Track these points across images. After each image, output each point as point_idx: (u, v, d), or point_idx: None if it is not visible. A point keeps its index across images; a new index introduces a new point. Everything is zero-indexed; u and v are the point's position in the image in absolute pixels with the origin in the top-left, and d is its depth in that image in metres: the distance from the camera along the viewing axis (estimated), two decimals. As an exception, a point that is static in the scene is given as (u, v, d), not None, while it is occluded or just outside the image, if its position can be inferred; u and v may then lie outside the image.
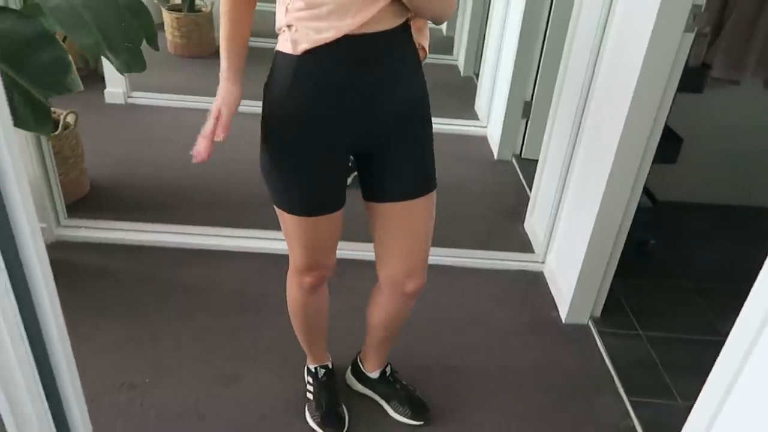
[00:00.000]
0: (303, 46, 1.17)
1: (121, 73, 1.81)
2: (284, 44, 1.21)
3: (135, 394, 1.76)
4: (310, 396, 1.75)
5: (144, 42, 2.13)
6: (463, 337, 2.11)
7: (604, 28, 2.02)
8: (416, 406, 1.76)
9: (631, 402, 1.90)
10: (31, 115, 1.42)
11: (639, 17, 1.80)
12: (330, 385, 1.75)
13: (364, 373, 1.80)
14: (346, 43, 1.16)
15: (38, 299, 0.73)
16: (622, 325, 2.23)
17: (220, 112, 1.22)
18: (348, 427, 1.70)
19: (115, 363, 1.85)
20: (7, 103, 0.51)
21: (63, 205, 2.39)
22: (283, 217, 1.37)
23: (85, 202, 2.62)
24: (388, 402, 1.78)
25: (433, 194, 1.38)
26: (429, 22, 1.33)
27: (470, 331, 2.15)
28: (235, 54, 1.27)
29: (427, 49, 1.36)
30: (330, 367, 1.79)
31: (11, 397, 0.69)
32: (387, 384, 1.78)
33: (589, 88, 2.12)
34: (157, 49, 2.17)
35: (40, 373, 0.76)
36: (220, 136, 1.22)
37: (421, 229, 1.41)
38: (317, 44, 1.16)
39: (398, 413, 1.75)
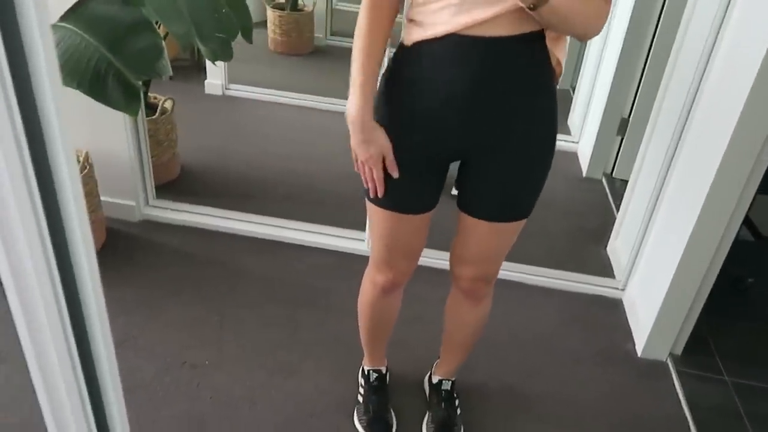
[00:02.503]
0: (413, 38, 1.15)
1: (209, 59, 1.88)
2: (405, 36, 1.19)
3: (194, 373, 1.81)
4: (360, 398, 1.73)
5: (240, 35, 2.20)
6: (527, 359, 2.02)
7: (713, 45, 1.86)
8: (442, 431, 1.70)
9: (706, 452, 1.74)
10: (122, 95, 1.51)
11: (752, 35, 1.65)
12: (380, 390, 1.73)
13: (431, 373, 1.82)
14: (456, 41, 1.11)
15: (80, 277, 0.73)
16: (706, 367, 2.05)
17: (384, 156, 1.21)
18: None
19: (180, 342, 1.92)
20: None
21: (153, 187, 2.52)
22: (370, 208, 1.35)
23: (174, 185, 2.74)
24: (428, 410, 1.76)
25: (525, 220, 1.35)
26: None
27: (535, 353, 2.05)
28: (370, 81, 1.17)
29: (562, 66, 1.20)
30: (383, 372, 1.76)
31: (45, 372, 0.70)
32: (437, 395, 1.74)
33: (691, 107, 1.97)
34: (250, 42, 2.23)
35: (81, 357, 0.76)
36: (396, 174, 1.23)
37: (502, 248, 1.41)
38: (426, 38, 1.13)
39: (425, 425, 1.72)
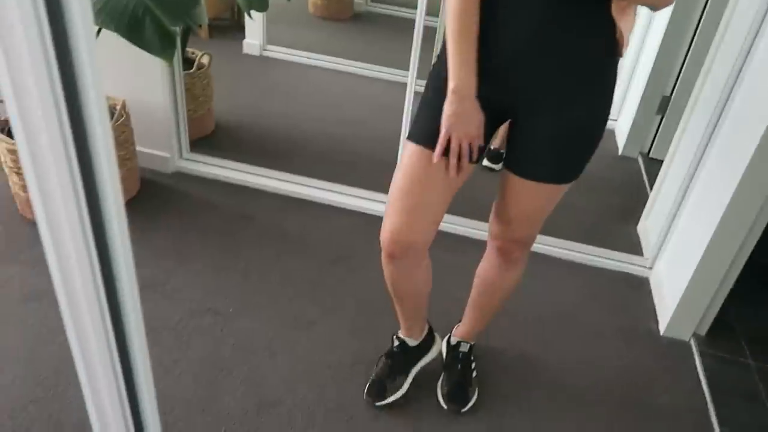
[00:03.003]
0: None
1: (242, 8, 1.89)
2: None
3: (218, 320, 1.87)
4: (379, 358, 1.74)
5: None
6: (548, 331, 2.02)
7: (759, 26, 1.79)
8: (455, 395, 1.70)
9: (722, 433, 1.73)
10: (158, 40, 1.53)
11: None
12: (396, 357, 1.70)
13: (450, 335, 1.82)
14: None
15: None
16: (730, 350, 2.02)
17: (473, 141, 1.21)
18: (396, 400, 1.66)
19: (206, 288, 1.97)
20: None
21: (187, 140, 2.56)
22: (403, 151, 1.32)
23: (208, 140, 2.79)
24: (443, 370, 1.77)
25: (568, 185, 1.35)
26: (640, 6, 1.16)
27: (556, 325, 2.05)
28: (467, 57, 1.16)
29: (626, 39, 1.16)
30: (410, 344, 1.70)
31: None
32: (453, 356, 1.76)
33: (732, 88, 1.90)
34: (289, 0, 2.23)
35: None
36: (476, 160, 1.24)
37: (541, 211, 1.40)
38: None
39: (439, 386, 1.74)
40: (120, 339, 0.87)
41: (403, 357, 1.70)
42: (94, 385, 0.84)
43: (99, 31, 1.91)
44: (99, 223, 0.73)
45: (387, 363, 1.70)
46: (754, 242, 1.86)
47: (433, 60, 1.32)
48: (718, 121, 1.98)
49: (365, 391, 1.67)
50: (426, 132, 1.25)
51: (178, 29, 1.65)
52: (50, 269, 0.74)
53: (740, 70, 1.88)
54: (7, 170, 2.07)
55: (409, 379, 1.70)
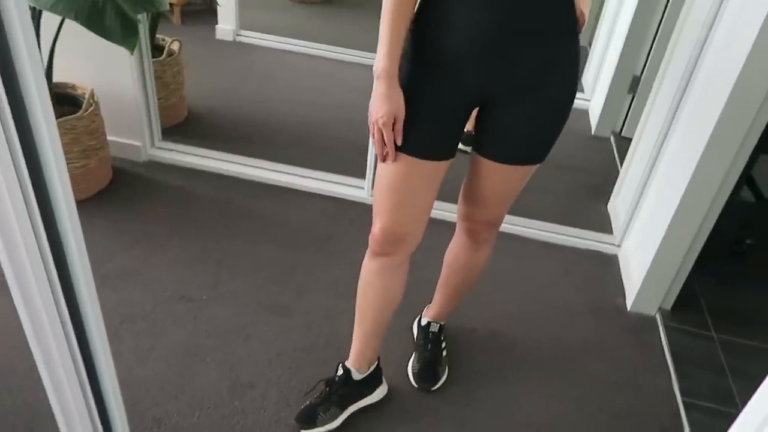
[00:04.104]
0: None
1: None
2: None
3: (192, 307, 1.88)
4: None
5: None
6: (517, 309, 2.06)
7: (719, 6, 1.83)
8: (426, 372, 1.74)
9: (684, 403, 1.79)
10: (119, 28, 1.52)
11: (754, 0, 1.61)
12: (336, 387, 1.60)
13: (420, 316, 1.86)
14: None
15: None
16: (694, 323, 2.08)
17: (395, 119, 1.20)
18: (382, 399, 1.66)
19: (180, 277, 1.98)
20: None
21: (159, 128, 2.55)
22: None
23: (181, 127, 2.78)
24: (414, 350, 1.81)
25: (537, 166, 1.37)
26: None
27: (526, 303, 2.09)
28: (399, 40, 1.17)
29: (585, 16, 1.22)
30: (352, 376, 1.59)
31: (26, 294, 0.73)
32: (424, 336, 1.80)
33: (696, 64, 1.94)
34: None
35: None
36: (399, 142, 1.23)
37: (511, 192, 1.43)
38: None
39: (410, 365, 1.77)
40: (79, 332, 0.89)
41: (343, 389, 1.59)
42: (55, 379, 0.85)
43: (63, 20, 1.90)
44: (49, 216, 0.75)
45: (324, 391, 1.59)
46: (715, 217, 1.91)
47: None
48: (681, 100, 2.02)
49: (296, 414, 1.58)
50: (403, 140, 1.24)
51: (141, 17, 1.63)
52: (3, 266, 0.75)
53: (701, 49, 1.91)
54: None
55: (344, 416, 1.58)
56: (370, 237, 1.39)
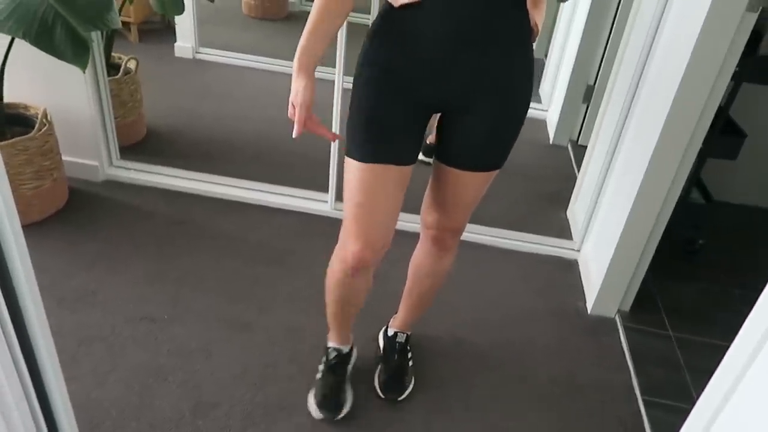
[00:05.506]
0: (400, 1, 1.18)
1: (156, 10, 1.87)
2: None
3: (153, 327, 1.85)
4: (318, 375, 1.71)
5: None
6: (480, 316, 2.09)
7: (660, 16, 1.90)
8: (393, 383, 1.75)
9: (644, 401, 1.83)
10: (70, 46, 1.50)
11: (690, 13, 1.69)
12: (339, 369, 1.70)
13: (386, 327, 1.86)
14: None
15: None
16: (652, 323, 2.13)
17: (299, 108, 1.27)
18: (350, 410, 1.67)
19: (140, 297, 1.95)
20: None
21: (116, 147, 2.52)
22: (349, 165, 1.33)
23: (140, 146, 2.75)
24: (380, 361, 1.81)
25: (497, 171, 1.40)
26: None
27: (488, 310, 2.12)
28: (321, 39, 1.25)
29: (539, 27, 1.27)
30: (344, 352, 1.72)
31: None
32: (391, 347, 1.80)
33: (642, 72, 2.01)
34: (212, 0, 2.22)
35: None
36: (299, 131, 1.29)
37: (474, 197, 1.45)
38: None
39: (377, 376, 1.77)
40: (29, 357, 0.87)
41: (343, 367, 1.72)
42: (3, 405, 0.83)
43: (12, 39, 1.87)
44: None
45: (333, 378, 1.69)
46: (667, 219, 1.97)
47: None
48: (630, 107, 2.09)
49: (317, 407, 1.64)
50: (367, 150, 1.29)
51: (94, 35, 1.62)
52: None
53: (647, 57, 1.98)
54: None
55: (349, 383, 1.72)
56: (343, 256, 1.41)
